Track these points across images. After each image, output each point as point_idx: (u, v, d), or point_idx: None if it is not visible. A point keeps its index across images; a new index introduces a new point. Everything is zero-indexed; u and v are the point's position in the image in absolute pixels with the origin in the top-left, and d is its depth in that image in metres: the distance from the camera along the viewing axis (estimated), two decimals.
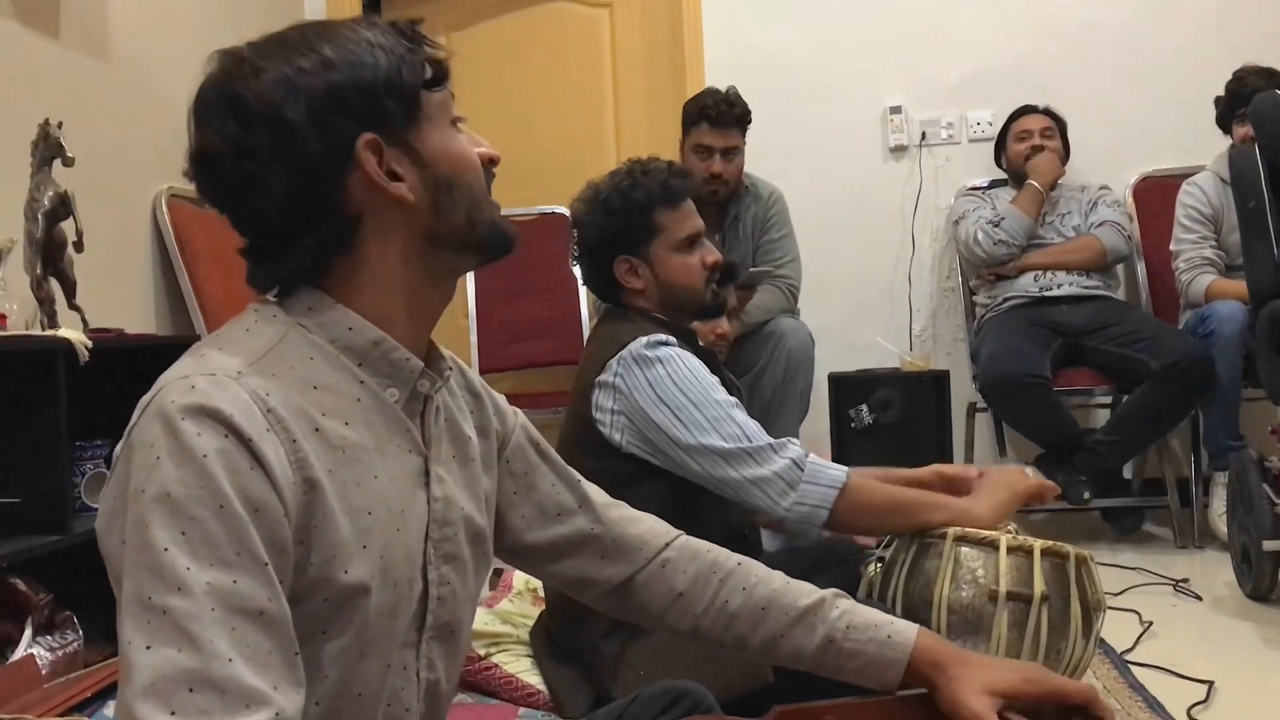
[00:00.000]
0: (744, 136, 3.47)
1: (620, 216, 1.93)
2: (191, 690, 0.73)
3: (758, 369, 3.25)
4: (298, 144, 0.88)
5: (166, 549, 0.76)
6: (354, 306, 0.92)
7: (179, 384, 0.82)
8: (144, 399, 0.84)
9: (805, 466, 1.71)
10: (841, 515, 1.69)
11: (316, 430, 0.86)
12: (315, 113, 0.88)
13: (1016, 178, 3.74)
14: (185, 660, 0.73)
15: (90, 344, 2.24)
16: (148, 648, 0.74)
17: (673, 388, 1.77)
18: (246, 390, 0.83)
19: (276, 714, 0.75)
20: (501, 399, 1.15)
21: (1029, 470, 1.85)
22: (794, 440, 1.77)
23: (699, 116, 3.43)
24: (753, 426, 1.76)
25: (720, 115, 3.41)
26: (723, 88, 3.53)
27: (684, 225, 1.95)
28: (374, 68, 0.90)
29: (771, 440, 1.75)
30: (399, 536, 0.91)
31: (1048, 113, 3.77)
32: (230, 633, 0.75)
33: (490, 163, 1.01)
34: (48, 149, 2.33)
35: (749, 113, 3.47)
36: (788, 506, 1.70)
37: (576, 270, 3.96)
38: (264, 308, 0.93)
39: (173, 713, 0.72)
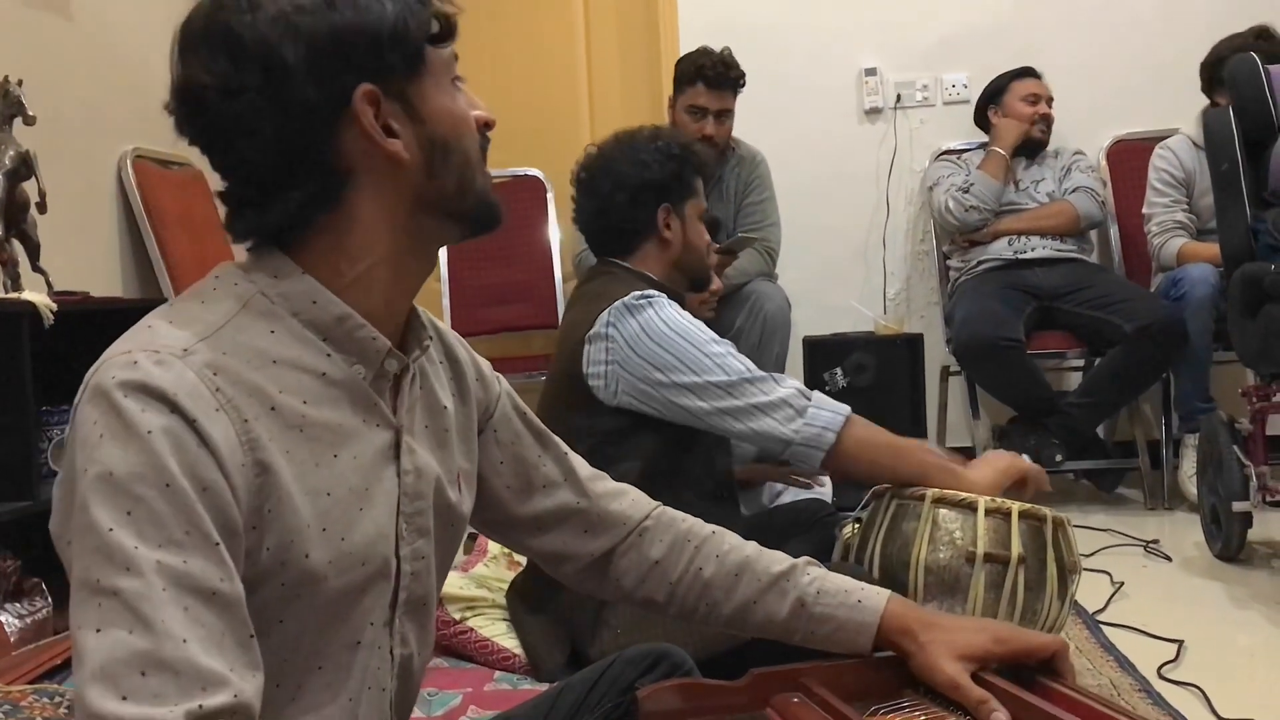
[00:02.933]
0: (735, 99, 3.46)
1: (678, 163, 1.96)
2: (144, 673, 0.69)
3: (734, 331, 3.24)
4: (292, 89, 0.83)
5: (111, 529, 0.72)
6: (327, 273, 0.87)
7: (120, 359, 0.78)
8: (88, 374, 0.79)
9: (811, 395, 1.73)
10: (845, 445, 1.69)
11: (272, 409, 0.82)
12: (313, 57, 0.83)
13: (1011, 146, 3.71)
14: (137, 642, 0.70)
15: (55, 307, 2.20)
16: (98, 631, 0.70)
17: (667, 329, 1.78)
18: (193, 369, 0.78)
19: (235, 695, 0.72)
20: (485, 364, 1.11)
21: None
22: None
23: (695, 76, 3.41)
24: (750, 362, 1.78)
25: (717, 77, 3.39)
26: (698, 48, 3.50)
27: (703, 199, 2.03)
28: (379, 15, 0.85)
29: (772, 374, 1.76)
30: (362, 516, 0.87)
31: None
32: (184, 613, 0.71)
33: (486, 126, 0.95)
34: (8, 107, 2.28)
35: (744, 75, 3.46)
36: (796, 429, 1.70)
37: (552, 233, 3.97)
38: (226, 274, 0.88)
39: (124, 697, 0.69)
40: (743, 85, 3.47)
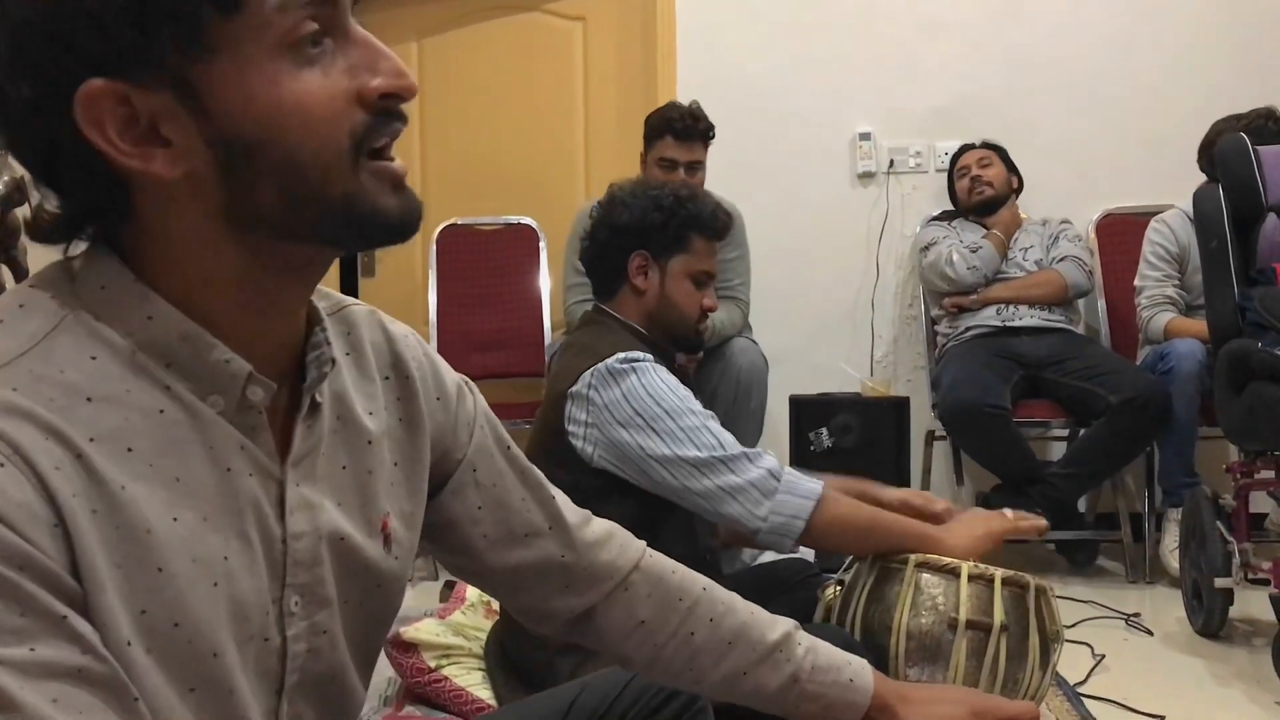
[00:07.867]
0: (707, 151, 3.46)
1: (665, 214, 1.92)
2: None
3: (710, 389, 3.24)
4: (6, 87, 0.66)
5: None
6: (163, 287, 0.69)
7: None
8: None
9: (781, 477, 1.69)
10: (816, 528, 1.67)
11: (79, 457, 0.64)
12: (20, 45, 0.64)
13: (965, 213, 3.82)
14: None
15: None
16: None
17: (647, 398, 1.76)
18: None
19: None
20: (451, 379, 0.95)
21: (1009, 512, 1.84)
22: (769, 452, 1.75)
23: (664, 129, 3.41)
24: (728, 437, 1.75)
25: (686, 129, 3.39)
26: (667, 103, 3.52)
27: (706, 260, 1.97)
28: None
29: (747, 450, 1.73)
30: (218, 593, 0.69)
31: (984, 145, 3.82)
32: (52, 705, 0.59)
33: (385, 97, 0.70)
34: None
35: (713, 127, 3.46)
36: (763, 516, 1.67)
37: (542, 281, 3.98)
38: (40, 287, 0.70)
39: None
40: (712, 137, 3.46)
